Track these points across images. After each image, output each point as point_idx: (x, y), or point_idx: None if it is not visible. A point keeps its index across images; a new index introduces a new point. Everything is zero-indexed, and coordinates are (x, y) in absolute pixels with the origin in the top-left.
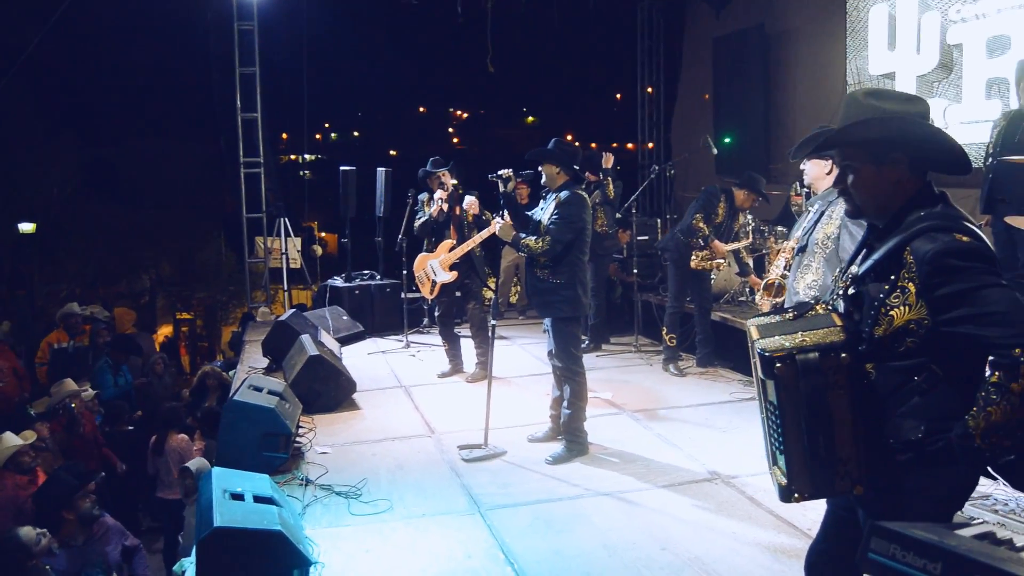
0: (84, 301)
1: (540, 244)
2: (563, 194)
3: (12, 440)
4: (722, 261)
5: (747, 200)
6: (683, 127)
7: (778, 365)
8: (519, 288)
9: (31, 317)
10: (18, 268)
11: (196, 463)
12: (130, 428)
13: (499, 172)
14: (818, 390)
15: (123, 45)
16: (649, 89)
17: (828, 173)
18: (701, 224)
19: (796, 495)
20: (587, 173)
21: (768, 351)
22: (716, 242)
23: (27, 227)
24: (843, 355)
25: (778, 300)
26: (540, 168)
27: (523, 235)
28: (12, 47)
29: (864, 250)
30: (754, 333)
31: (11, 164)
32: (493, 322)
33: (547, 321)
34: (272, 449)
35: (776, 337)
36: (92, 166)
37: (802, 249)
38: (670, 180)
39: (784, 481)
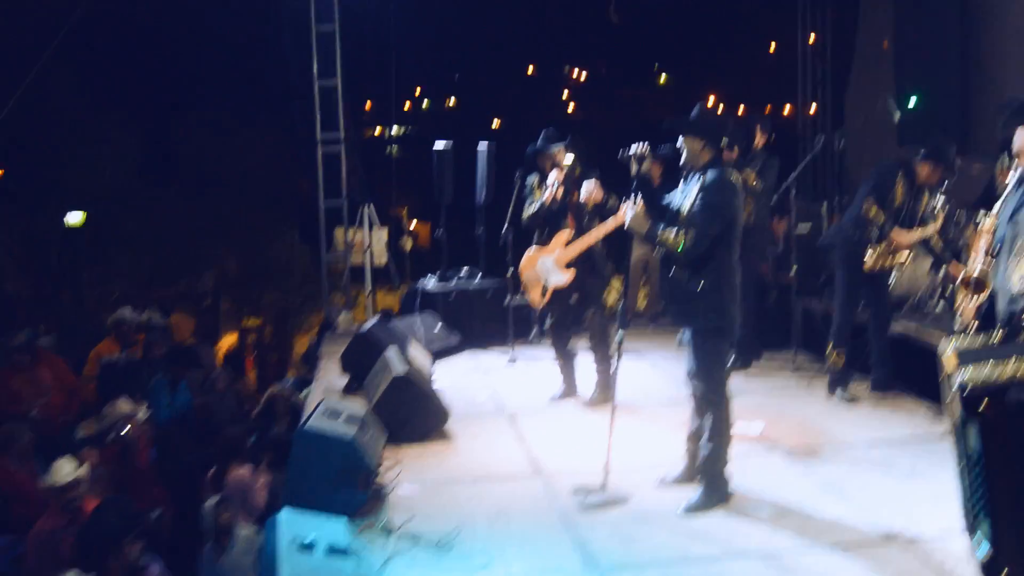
0: (138, 304)
1: (681, 238)
2: (709, 175)
3: (66, 472)
4: (906, 255)
5: (933, 174)
6: (857, 85)
7: (984, 403)
8: (649, 290)
9: (79, 323)
10: (65, 265)
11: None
12: (187, 457)
13: (631, 149)
14: None
15: (181, 4)
16: (812, 37)
17: None
18: (874, 211)
19: (1007, 570)
20: (728, 151)
21: (970, 385)
22: (897, 231)
23: (75, 218)
24: None
25: (981, 299)
26: (680, 143)
27: (660, 226)
28: (57, 12)
29: None
30: (951, 361)
31: (57, 146)
32: (620, 333)
33: (686, 333)
34: (350, 487)
35: (981, 366)
36: (148, 145)
37: (1010, 230)
38: (840, 154)
39: (990, 552)
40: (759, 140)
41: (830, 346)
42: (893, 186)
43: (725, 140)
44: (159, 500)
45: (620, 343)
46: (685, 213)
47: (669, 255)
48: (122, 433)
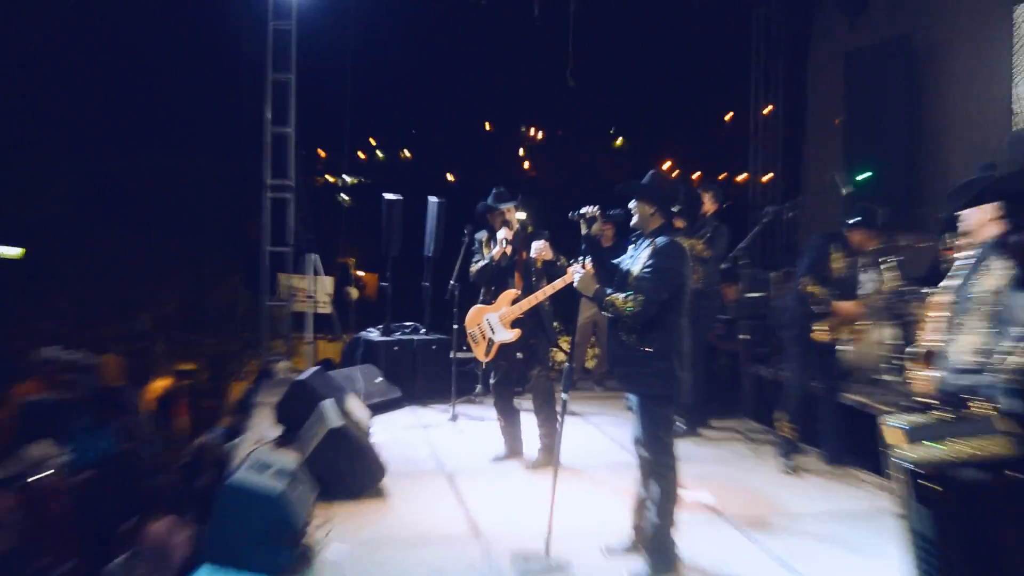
0: (71, 344)
1: (630, 303)
2: (659, 241)
3: None
4: (862, 323)
5: (866, 240)
6: (808, 159)
7: (931, 485)
8: (597, 351)
9: (7, 361)
10: None
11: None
12: (106, 506)
13: (582, 210)
14: (986, 519)
15: (134, 42)
16: (766, 110)
17: (994, 219)
18: (811, 288)
19: None
20: (676, 221)
21: (918, 465)
22: (838, 304)
23: (12, 252)
24: (1020, 473)
25: (932, 372)
26: (632, 206)
27: (608, 290)
28: (2, 44)
29: None
30: (895, 438)
31: None
32: (564, 395)
33: (632, 398)
34: (275, 545)
35: (929, 445)
36: (91, 181)
37: (957, 307)
38: (789, 224)
39: None
40: (709, 207)
41: (776, 415)
42: (827, 259)
43: (677, 207)
44: (71, 551)
45: (565, 405)
46: (634, 277)
47: (617, 319)
48: (39, 477)
